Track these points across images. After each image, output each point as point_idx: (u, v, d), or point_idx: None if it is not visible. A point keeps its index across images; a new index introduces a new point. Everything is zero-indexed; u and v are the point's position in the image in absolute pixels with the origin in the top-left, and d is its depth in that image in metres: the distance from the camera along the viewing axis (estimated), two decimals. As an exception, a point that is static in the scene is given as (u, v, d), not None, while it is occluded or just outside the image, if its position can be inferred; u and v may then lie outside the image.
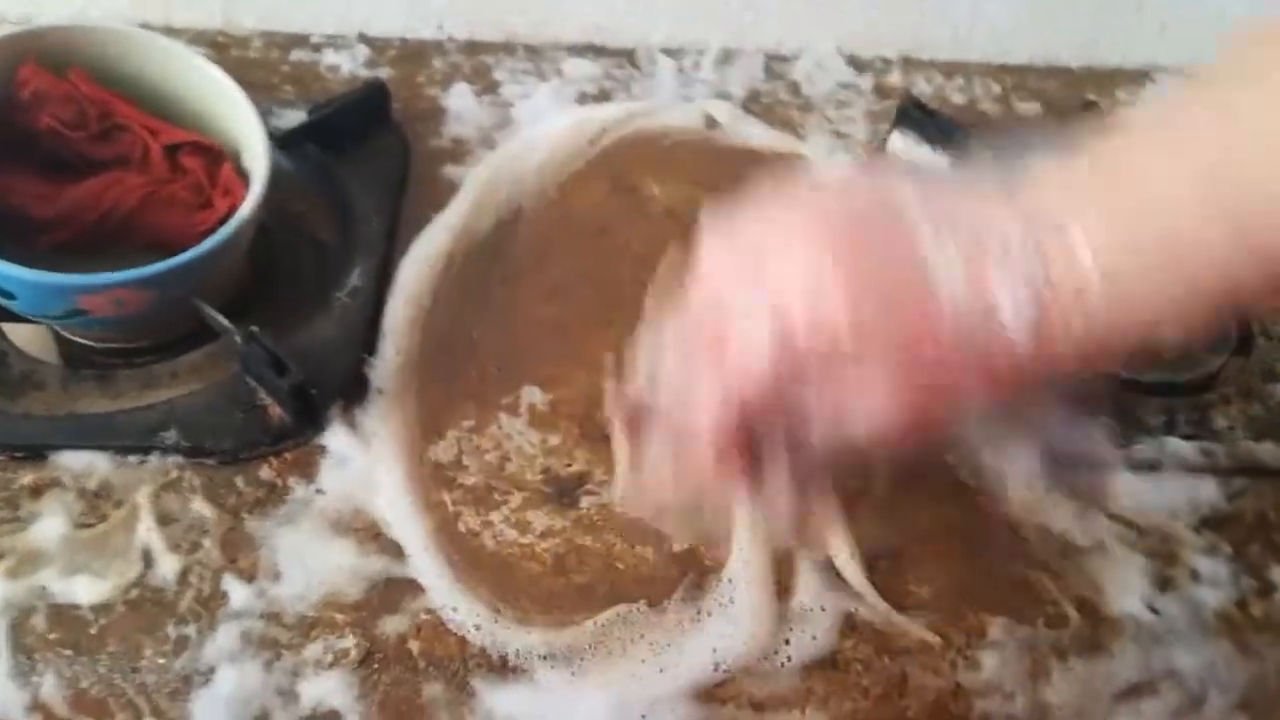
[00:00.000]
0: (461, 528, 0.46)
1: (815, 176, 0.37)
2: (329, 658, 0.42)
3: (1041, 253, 0.31)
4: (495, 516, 0.46)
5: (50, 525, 0.44)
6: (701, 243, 0.35)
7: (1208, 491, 0.50)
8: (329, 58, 0.67)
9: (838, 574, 0.45)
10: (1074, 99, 0.73)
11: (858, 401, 0.33)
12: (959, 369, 0.32)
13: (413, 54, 0.69)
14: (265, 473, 0.46)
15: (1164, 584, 0.47)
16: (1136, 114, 0.35)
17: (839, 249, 0.32)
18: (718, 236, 0.35)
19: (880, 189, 0.34)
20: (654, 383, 0.38)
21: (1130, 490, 0.50)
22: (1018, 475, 0.47)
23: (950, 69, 0.74)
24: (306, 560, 0.44)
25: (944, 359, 0.32)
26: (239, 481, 0.46)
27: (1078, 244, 0.31)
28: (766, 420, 0.34)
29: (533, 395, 0.51)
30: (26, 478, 0.45)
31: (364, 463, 0.47)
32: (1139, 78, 0.75)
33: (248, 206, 0.48)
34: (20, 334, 0.52)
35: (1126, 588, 0.47)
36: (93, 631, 0.42)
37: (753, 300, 0.33)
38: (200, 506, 0.45)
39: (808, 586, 0.45)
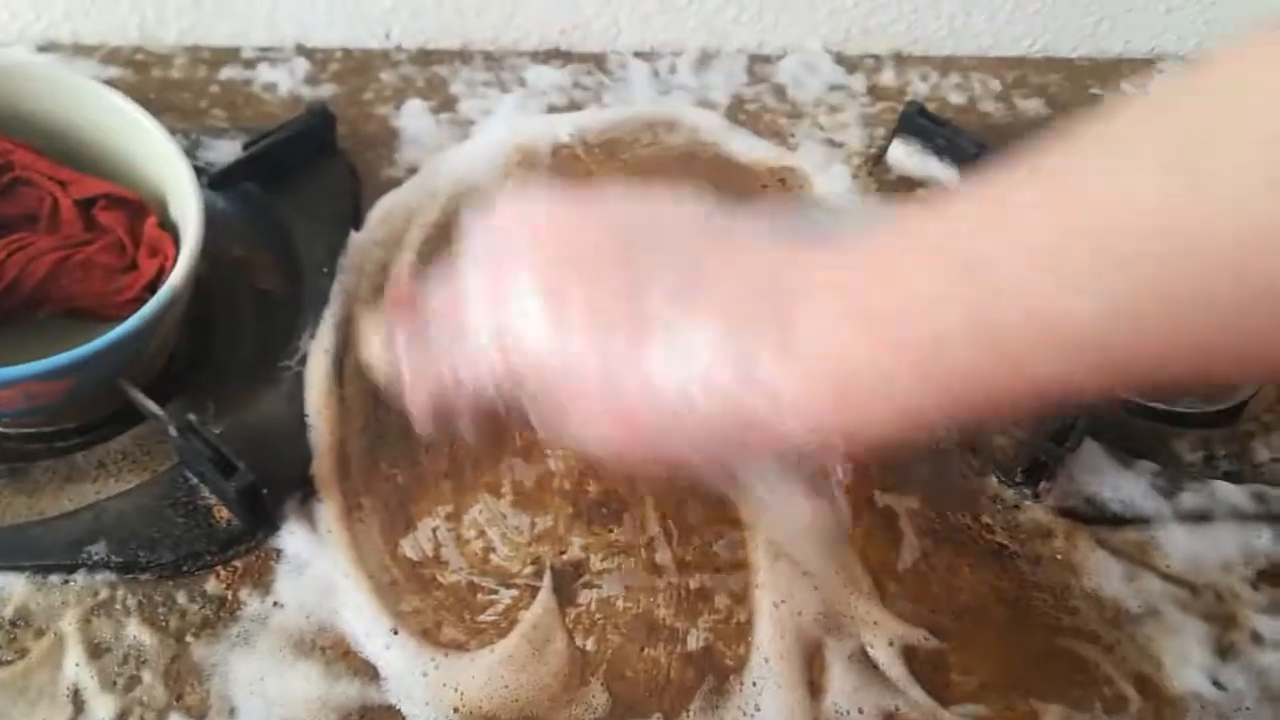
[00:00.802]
0: (445, 639, 0.40)
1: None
2: (297, 809, 0.36)
3: (764, 339, 0.29)
4: (484, 621, 0.40)
5: (-41, 666, 0.37)
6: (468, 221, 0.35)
7: (1262, 541, 0.46)
8: (264, 74, 0.60)
9: (875, 668, 0.40)
10: (1078, 93, 0.68)
11: (574, 426, 0.32)
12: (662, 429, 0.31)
13: (358, 67, 0.62)
14: (212, 585, 0.40)
15: (1225, 651, 0.43)
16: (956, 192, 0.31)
17: (582, 268, 0.31)
18: (482, 219, 0.34)
19: (661, 207, 0.33)
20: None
21: (1181, 544, 0.45)
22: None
23: (946, 65, 0.68)
24: (266, 690, 0.38)
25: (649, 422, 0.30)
26: (181, 598, 0.40)
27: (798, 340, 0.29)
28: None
29: (516, 470, 0.45)
30: (-73, 608, 0.39)
31: (325, 566, 0.41)
32: (1143, 66, 0.70)
33: (180, 273, 0.41)
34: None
35: (1186, 659, 0.42)
36: (15, 797, 0.35)
37: (485, 305, 0.32)
38: (137, 631, 0.39)
39: (842, 684, 0.40)
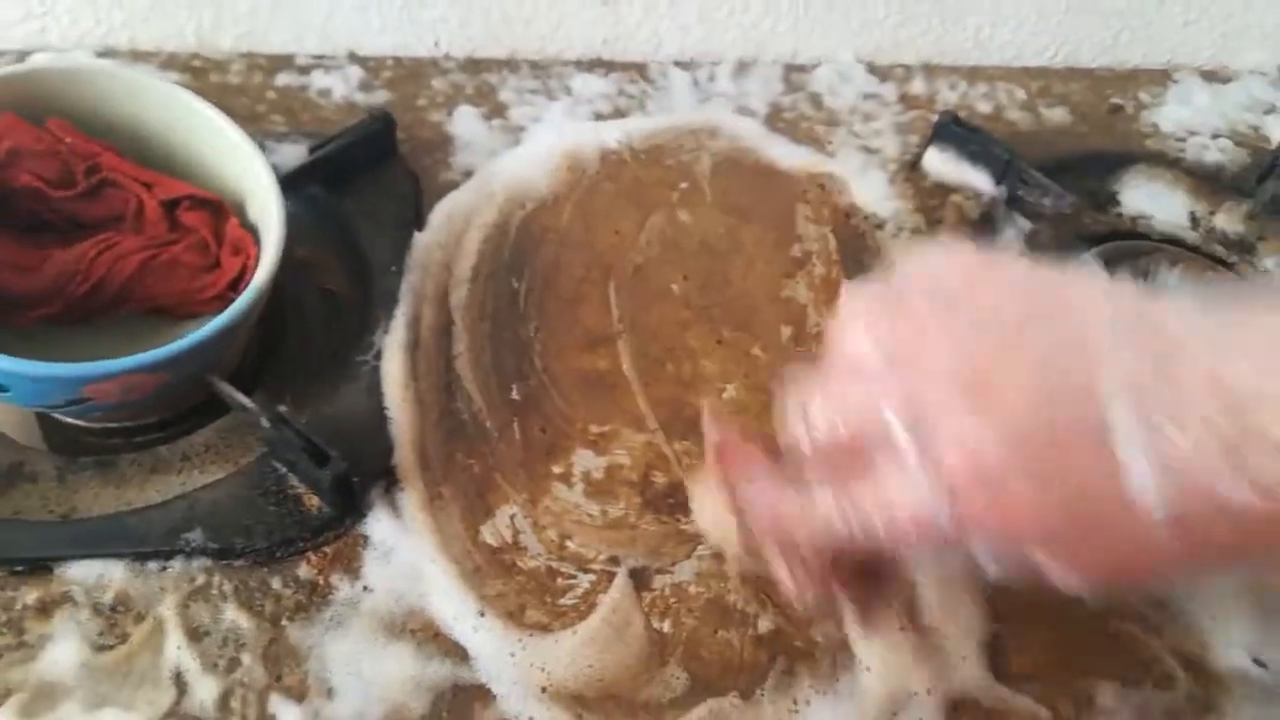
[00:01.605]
0: (529, 621, 0.41)
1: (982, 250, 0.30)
2: (400, 784, 0.37)
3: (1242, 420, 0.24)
4: (564, 604, 0.42)
5: (64, 650, 0.39)
6: (844, 323, 0.30)
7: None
8: (319, 80, 0.62)
9: (938, 650, 0.42)
10: (1099, 102, 0.70)
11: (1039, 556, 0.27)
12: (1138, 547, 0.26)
13: (409, 74, 0.63)
14: (304, 571, 0.42)
15: (1269, 632, 0.45)
16: None
17: (1003, 366, 0.26)
18: (860, 319, 0.29)
19: (1059, 284, 0.28)
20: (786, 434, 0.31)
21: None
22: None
23: (973, 74, 0.70)
24: (362, 671, 0.39)
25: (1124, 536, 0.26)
26: (275, 583, 0.41)
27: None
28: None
29: (586, 461, 0.47)
30: (30, 595, 0.40)
31: (410, 552, 0.43)
32: (1161, 77, 0.73)
33: (264, 271, 0.43)
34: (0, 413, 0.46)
35: (1230, 640, 0.44)
36: (126, 774, 0.37)
37: (901, 429, 0.27)
38: (234, 615, 0.40)
39: (909, 667, 0.42)
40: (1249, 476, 0.24)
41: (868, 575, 0.33)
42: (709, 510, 0.33)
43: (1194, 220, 0.65)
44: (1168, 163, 0.66)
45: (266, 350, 0.50)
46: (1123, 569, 0.27)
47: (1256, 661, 0.44)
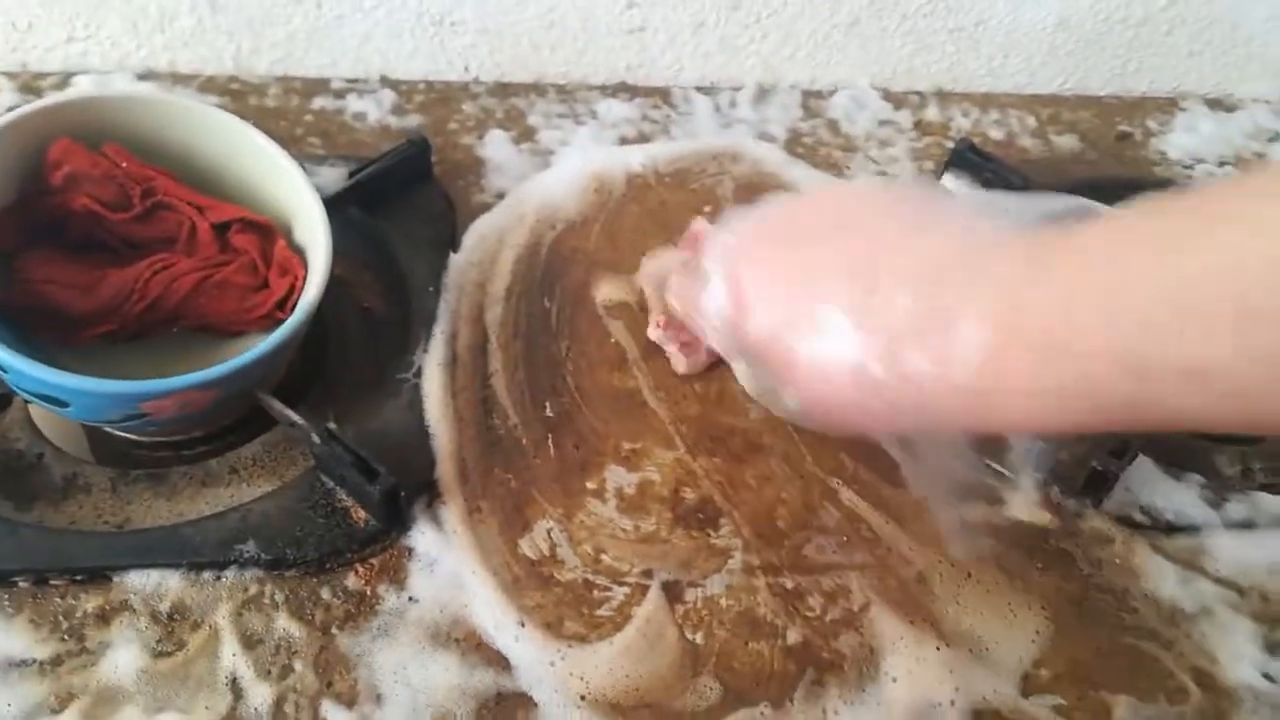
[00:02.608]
0: (567, 631, 0.43)
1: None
2: (448, 787, 0.39)
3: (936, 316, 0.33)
4: (601, 615, 0.44)
5: (124, 656, 0.40)
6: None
7: (1302, 546, 0.50)
8: (354, 104, 0.64)
9: (962, 662, 0.44)
10: (1108, 129, 0.72)
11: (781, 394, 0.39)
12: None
13: (441, 98, 0.65)
14: (352, 581, 0.43)
15: (1274, 648, 0.47)
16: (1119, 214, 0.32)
17: (777, 250, 0.39)
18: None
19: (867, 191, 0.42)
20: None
21: (1228, 550, 0.49)
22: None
23: (985, 101, 0.73)
24: (410, 679, 0.41)
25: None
26: (325, 593, 0.43)
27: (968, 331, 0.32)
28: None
29: (618, 477, 0.48)
30: (90, 603, 0.41)
31: (453, 563, 0.44)
32: (1168, 105, 0.75)
33: (313, 290, 0.45)
34: (50, 426, 0.48)
35: (1238, 655, 0.46)
36: (186, 777, 0.38)
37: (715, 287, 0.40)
38: (286, 624, 0.42)
39: (932, 678, 0.43)
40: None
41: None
42: (651, 266, 0.54)
43: (1201, 246, 0.67)
44: (1176, 189, 0.68)
45: (310, 368, 0.52)
46: (818, 401, 0.37)
47: (1265, 675, 0.46)
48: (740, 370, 0.50)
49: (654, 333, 0.53)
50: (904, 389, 0.33)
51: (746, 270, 0.39)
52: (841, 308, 0.35)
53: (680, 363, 0.52)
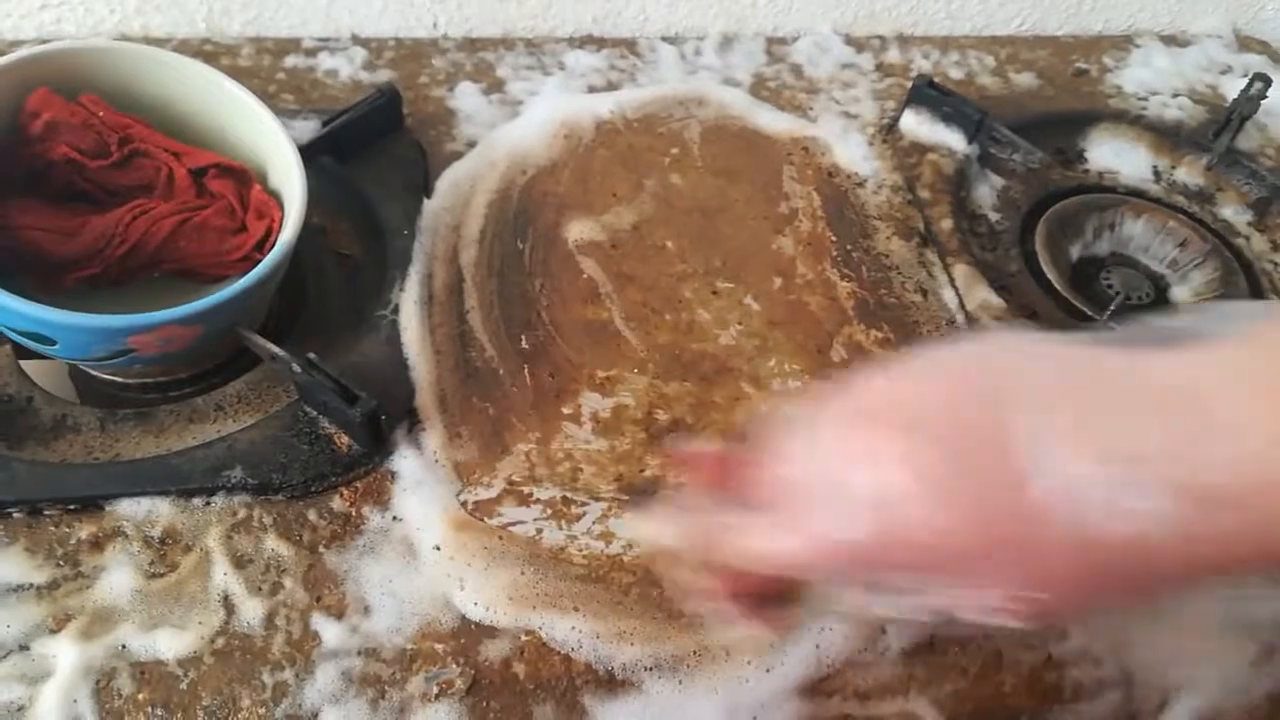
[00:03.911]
0: (546, 543, 0.45)
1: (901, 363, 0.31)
2: (434, 689, 0.41)
3: (1185, 447, 0.26)
4: (578, 529, 0.45)
5: (118, 579, 0.42)
6: (780, 448, 0.32)
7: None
8: (325, 62, 0.65)
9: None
10: (1065, 67, 0.74)
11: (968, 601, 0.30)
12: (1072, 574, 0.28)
13: (411, 54, 0.67)
14: (337, 504, 0.45)
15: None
16: None
17: (923, 461, 0.28)
18: (797, 442, 0.31)
19: (975, 364, 0.30)
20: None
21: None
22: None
23: (945, 44, 0.74)
24: (396, 591, 0.43)
25: (1052, 567, 0.28)
26: (311, 515, 0.44)
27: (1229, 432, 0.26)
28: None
29: (593, 402, 0.50)
30: (84, 531, 0.43)
31: (435, 485, 0.46)
32: (1123, 42, 0.77)
33: (290, 229, 0.46)
34: (38, 373, 0.49)
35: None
36: (184, 687, 0.40)
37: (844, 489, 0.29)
38: (275, 545, 0.43)
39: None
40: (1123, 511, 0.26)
41: (766, 597, 0.35)
42: (650, 524, 0.37)
43: (1156, 174, 0.69)
44: (1130, 121, 0.70)
45: (290, 311, 0.53)
46: (1039, 584, 0.28)
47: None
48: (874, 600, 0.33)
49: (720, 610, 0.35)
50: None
51: (936, 445, 0.29)
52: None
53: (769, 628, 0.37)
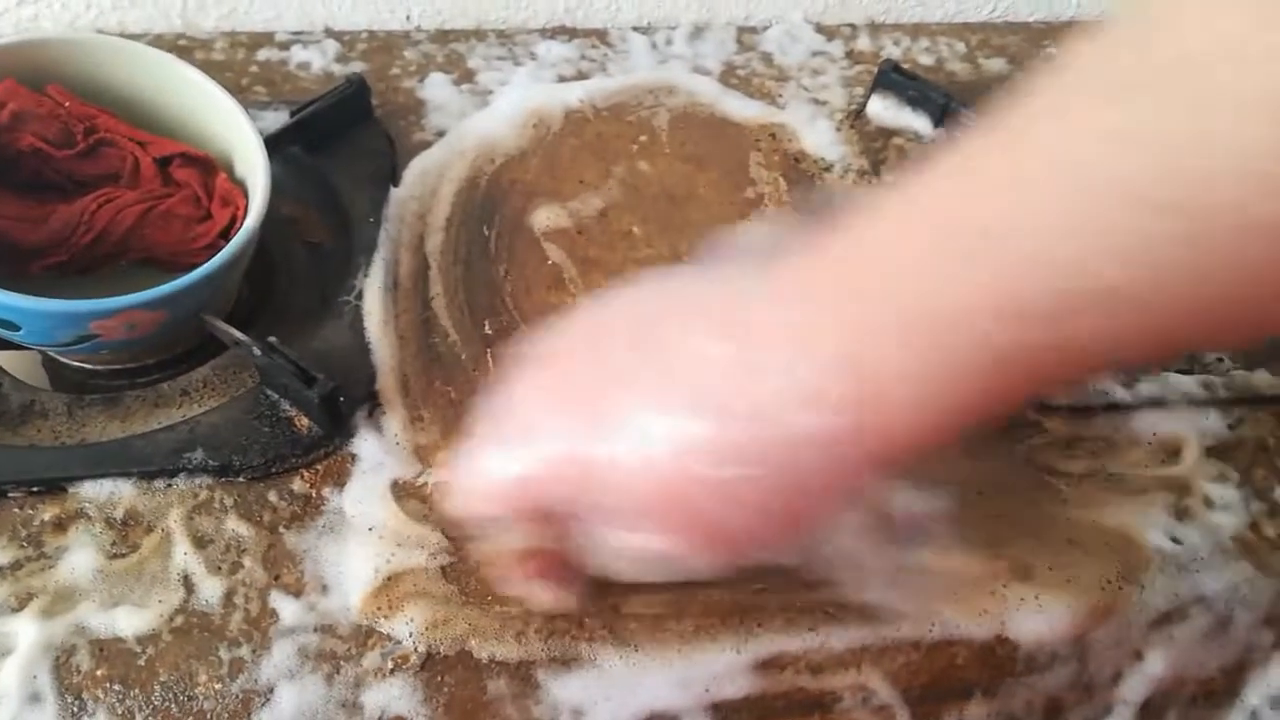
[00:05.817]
0: (504, 523, 0.45)
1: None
2: (389, 664, 0.41)
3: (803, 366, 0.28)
4: (536, 509, 0.46)
5: (80, 559, 0.42)
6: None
7: (1211, 422, 0.52)
8: (298, 55, 0.66)
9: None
10: (1036, 52, 0.74)
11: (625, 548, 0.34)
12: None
13: (383, 46, 0.67)
14: (298, 485, 0.46)
15: (1182, 514, 0.49)
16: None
17: (549, 401, 0.34)
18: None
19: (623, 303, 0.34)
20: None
21: (1144, 425, 0.52)
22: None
23: (916, 31, 0.75)
24: (354, 569, 0.43)
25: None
26: (271, 496, 0.45)
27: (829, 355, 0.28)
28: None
29: (555, 384, 0.51)
30: (47, 513, 0.44)
31: (395, 468, 0.46)
32: (1095, 28, 0.77)
33: (254, 216, 0.47)
34: (10, 362, 0.50)
35: (1151, 521, 0.48)
36: (141, 663, 0.40)
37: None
38: (235, 525, 0.44)
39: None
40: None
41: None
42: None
43: (1125, 156, 0.69)
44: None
45: (257, 301, 0.54)
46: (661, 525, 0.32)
47: (1173, 539, 0.48)
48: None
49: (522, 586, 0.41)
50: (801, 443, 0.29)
51: (522, 396, 0.35)
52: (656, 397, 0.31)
53: (549, 596, 0.41)
